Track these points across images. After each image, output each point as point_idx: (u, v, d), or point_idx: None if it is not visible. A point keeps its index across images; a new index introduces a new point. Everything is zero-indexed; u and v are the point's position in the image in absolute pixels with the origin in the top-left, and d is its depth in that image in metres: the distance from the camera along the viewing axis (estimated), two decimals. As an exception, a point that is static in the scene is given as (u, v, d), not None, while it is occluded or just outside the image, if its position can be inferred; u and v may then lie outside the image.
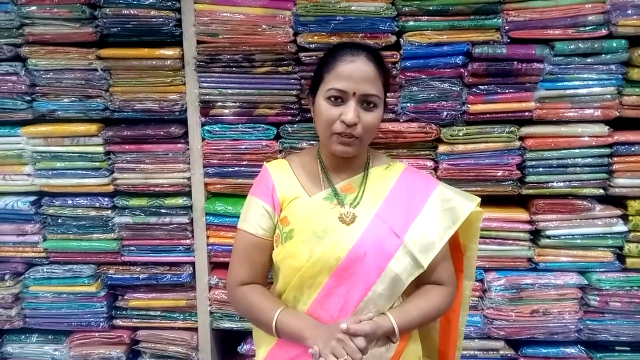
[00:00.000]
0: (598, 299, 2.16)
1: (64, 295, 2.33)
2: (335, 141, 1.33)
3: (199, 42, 2.10)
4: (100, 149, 2.22)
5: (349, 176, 1.42)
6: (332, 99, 1.32)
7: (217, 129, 2.17)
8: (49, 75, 2.16)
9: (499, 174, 2.10)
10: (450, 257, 1.47)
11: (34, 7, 2.08)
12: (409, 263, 1.34)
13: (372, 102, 1.33)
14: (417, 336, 1.46)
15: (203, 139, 2.19)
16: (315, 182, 1.42)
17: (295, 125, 2.13)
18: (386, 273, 1.32)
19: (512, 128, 2.07)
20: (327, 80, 1.33)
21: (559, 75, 2.04)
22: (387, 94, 1.47)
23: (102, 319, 2.35)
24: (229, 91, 2.13)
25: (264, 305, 1.38)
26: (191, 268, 2.30)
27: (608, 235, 2.16)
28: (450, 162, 2.10)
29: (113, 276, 2.32)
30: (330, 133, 1.32)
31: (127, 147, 2.22)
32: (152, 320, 2.37)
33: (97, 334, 2.38)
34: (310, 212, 1.36)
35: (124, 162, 2.23)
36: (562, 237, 2.16)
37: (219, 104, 2.15)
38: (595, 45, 1.99)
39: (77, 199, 2.27)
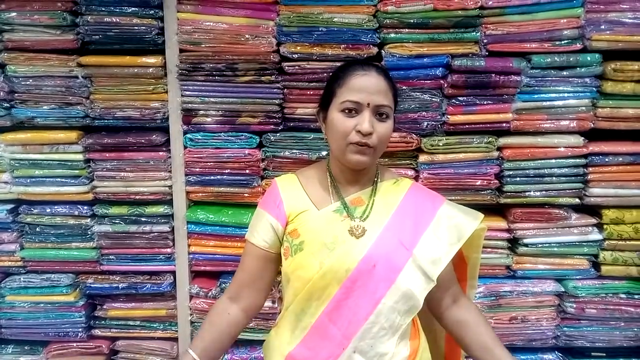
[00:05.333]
0: (574, 305, 2.21)
1: (42, 305, 2.30)
2: (352, 151, 1.34)
3: (181, 51, 2.11)
4: (80, 156, 2.20)
5: (358, 189, 1.43)
6: (347, 110, 1.33)
7: (200, 137, 2.17)
8: (28, 82, 2.14)
9: (477, 184, 2.14)
10: (454, 273, 1.51)
11: (14, 14, 2.07)
12: (420, 277, 1.35)
13: (384, 113, 1.35)
14: (427, 348, 1.47)
15: (185, 147, 2.19)
16: (325, 195, 1.42)
17: (278, 134, 2.15)
18: (396, 286, 1.32)
19: (490, 138, 2.11)
20: (339, 94, 1.34)
21: (536, 88, 2.10)
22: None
23: (80, 329, 2.31)
24: (212, 100, 2.13)
25: (201, 330, 1.44)
26: (172, 277, 2.28)
27: (584, 244, 2.21)
28: (430, 172, 2.13)
29: (92, 285, 2.30)
30: (346, 144, 1.33)
31: (107, 154, 2.20)
32: (131, 330, 2.34)
33: (75, 344, 2.35)
34: (320, 224, 1.37)
35: (104, 170, 2.21)
36: (539, 245, 2.20)
37: (202, 112, 2.15)
38: (571, 59, 2.05)
39: (55, 207, 2.24)
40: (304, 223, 1.38)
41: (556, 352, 2.30)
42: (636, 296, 2.22)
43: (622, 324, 2.24)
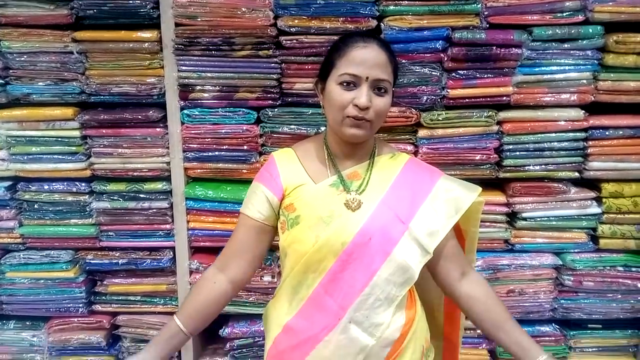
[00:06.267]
0: (572, 278, 2.22)
1: (42, 281, 2.30)
2: (348, 124, 1.34)
3: (177, 25, 2.07)
4: (77, 133, 2.19)
5: (355, 163, 1.43)
6: (345, 83, 1.33)
7: (197, 113, 2.15)
8: (22, 58, 2.11)
9: (477, 158, 2.13)
10: (460, 247, 1.51)
11: (5, -12, 2.03)
12: (416, 250, 1.36)
13: (383, 88, 1.34)
14: (424, 317, 1.49)
15: (182, 123, 2.17)
16: (321, 169, 1.43)
17: (276, 110, 2.13)
18: (391, 258, 1.33)
19: (490, 112, 2.10)
20: (339, 65, 1.34)
21: (537, 61, 2.07)
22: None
23: (81, 305, 2.33)
24: (209, 75, 2.10)
25: (187, 298, 1.46)
26: (171, 253, 2.29)
27: (582, 217, 2.21)
28: (430, 147, 2.12)
29: (92, 261, 2.30)
30: (343, 117, 1.33)
31: (104, 131, 2.19)
32: (132, 305, 2.36)
33: (76, 320, 2.36)
34: (316, 198, 1.37)
35: (101, 146, 2.20)
36: (538, 219, 2.21)
37: (199, 87, 2.13)
38: (572, 31, 2.02)
39: (53, 184, 2.24)
40: (300, 197, 1.38)
41: (553, 324, 2.32)
42: (633, 269, 2.23)
43: (619, 296, 2.26)
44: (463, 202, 1.42)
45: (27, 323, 2.40)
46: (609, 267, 2.23)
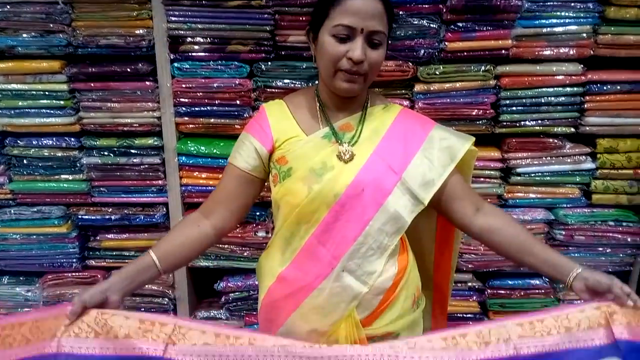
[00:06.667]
0: (564, 233, 2.25)
1: (34, 237, 2.30)
2: (341, 78, 1.30)
3: (165, -27, 1.99)
4: (65, 86, 2.14)
5: (347, 115, 1.41)
6: (339, 35, 1.28)
7: (187, 66, 2.09)
8: (6, 9, 2.03)
9: (473, 113, 2.11)
10: (468, 184, 1.49)
11: None
12: (409, 200, 1.35)
13: (378, 40, 1.30)
14: (416, 267, 1.49)
15: (172, 77, 2.11)
16: (313, 121, 1.40)
17: (269, 63, 2.08)
18: (384, 209, 1.33)
19: (488, 66, 2.06)
20: (332, 16, 1.28)
21: (537, 13, 2.03)
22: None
23: (74, 260, 2.33)
24: (199, 26, 2.04)
25: (166, 236, 1.40)
26: (164, 209, 2.28)
27: (576, 173, 2.22)
28: (426, 102, 2.09)
29: (84, 217, 2.29)
30: (335, 70, 1.30)
31: (92, 84, 2.13)
32: (126, 260, 2.35)
33: (70, 275, 2.37)
34: (308, 150, 1.35)
35: (90, 100, 2.15)
36: (532, 175, 2.22)
37: (189, 39, 2.06)
38: (574, -18, 1.97)
39: (42, 139, 2.20)
40: (292, 149, 1.37)
41: (543, 277, 2.36)
42: (624, 223, 2.26)
43: (609, 250, 2.30)
44: (458, 150, 1.40)
45: (21, 278, 2.41)
46: (600, 222, 2.25)
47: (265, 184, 1.44)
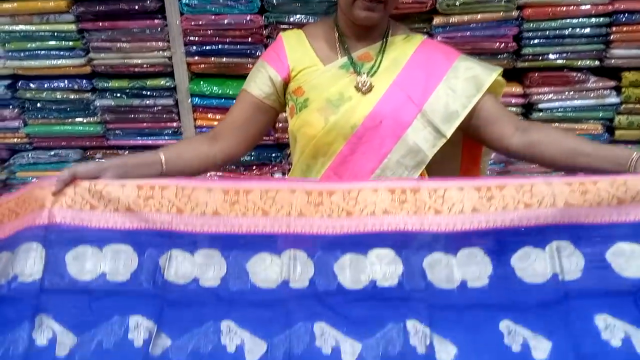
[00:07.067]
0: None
1: (53, 181, 2.32)
2: (359, 7, 1.26)
3: None
4: (73, 26, 2.09)
5: (366, 45, 1.37)
6: None
7: (196, 2, 2.02)
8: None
9: (495, 46, 2.04)
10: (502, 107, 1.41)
11: None
12: (430, 133, 1.32)
13: None
14: None
15: (181, 14, 2.05)
16: (332, 51, 1.37)
17: (282, -3, 2.00)
18: (403, 141, 1.31)
19: (510, -4, 1.97)
20: None
21: (565, -64, 1.91)
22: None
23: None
24: (207, -42, 1.96)
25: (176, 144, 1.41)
26: (180, 150, 2.27)
27: (599, 107, 2.15)
28: (445, 35, 2.02)
29: (101, 160, 2.28)
30: None
31: (100, 24, 2.08)
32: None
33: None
34: (325, 80, 1.33)
35: (99, 40, 2.11)
36: (554, 110, 2.15)
37: (197, -28, 1.99)
38: None
39: (54, 81, 2.18)
40: (308, 80, 1.34)
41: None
42: (647, 160, 2.21)
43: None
44: (484, 80, 1.34)
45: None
46: (622, 159, 2.21)
47: (279, 124, 1.42)
